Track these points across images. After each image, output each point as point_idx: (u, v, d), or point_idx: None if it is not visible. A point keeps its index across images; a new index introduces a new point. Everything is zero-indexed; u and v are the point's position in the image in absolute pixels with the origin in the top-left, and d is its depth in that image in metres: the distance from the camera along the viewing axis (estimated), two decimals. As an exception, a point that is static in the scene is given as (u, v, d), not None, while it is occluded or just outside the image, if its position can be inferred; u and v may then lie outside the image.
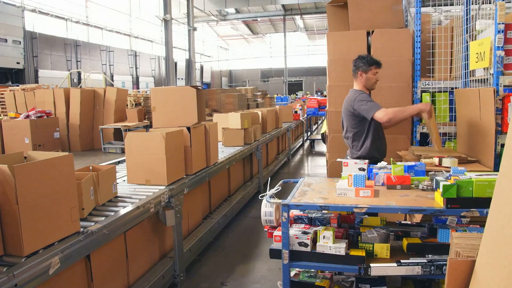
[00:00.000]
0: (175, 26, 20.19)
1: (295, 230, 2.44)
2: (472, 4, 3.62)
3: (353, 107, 3.33)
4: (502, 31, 2.93)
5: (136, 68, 25.82)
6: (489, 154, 3.01)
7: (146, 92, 15.69)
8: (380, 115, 3.15)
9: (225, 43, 41.46)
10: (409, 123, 4.07)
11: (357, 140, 3.41)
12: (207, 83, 36.06)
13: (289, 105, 11.58)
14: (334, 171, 4.08)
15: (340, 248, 2.28)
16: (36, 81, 17.26)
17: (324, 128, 5.54)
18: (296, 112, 10.69)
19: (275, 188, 2.64)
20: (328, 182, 2.85)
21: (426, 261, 2.20)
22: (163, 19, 17.16)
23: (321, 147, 11.72)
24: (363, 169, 2.68)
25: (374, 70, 3.36)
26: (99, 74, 18.68)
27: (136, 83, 25.66)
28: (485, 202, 2.07)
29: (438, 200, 2.22)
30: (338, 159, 2.83)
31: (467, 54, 3.54)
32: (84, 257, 2.35)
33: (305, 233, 2.40)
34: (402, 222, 2.84)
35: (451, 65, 4.00)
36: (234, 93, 12.74)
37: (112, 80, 21.12)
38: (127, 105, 13.25)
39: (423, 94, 3.98)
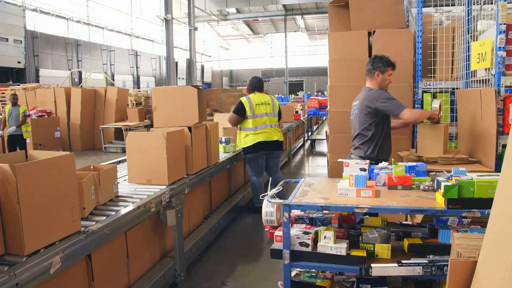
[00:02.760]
0: (176, 25, 20.18)
1: (296, 230, 2.44)
2: (474, 4, 3.62)
3: (375, 105, 3.30)
4: (504, 32, 2.93)
5: (137, 67, 25.83)
6: (491, 155, 3.01)
7: (147, 91, 15.70)
8: (408, 114, 3.21)
9: (226, 43, 41.46)
10: (410, 123, 4.07)
11: (368, 141, 3.39)
12: (208, 83, 36.07)
13: (289, 105, 11.57)
14: (335, 171, 4.08)
15: (341, 248, 2.28)
16: (37, 81, 17.27)
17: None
18: (296, 112, 10.68)
19: (276, 188, 2.64)
20: (329, 182, 2.85)
21: (427, 261, 2.20)
22: (164, 18, 17.16)
23: (322, 147, 11.72)
24: (364, 169, 2.68)
25: (390, 72, 3.39)
26: (100, 74, 18.70)
27: (137, 83, 25.67)
28: (486, 203, 2.07)
29: (439, 201, 2.22)
30: (339, 159, 2.83)
31: (469, 55, 3.54)
32: (85, 257, 2.35)
33: (306, 233, 2.39)
34: (403, 222, 2.84)
35: (452, 65, 4.00)
36: (235, 93, 12.77)
37: (113, 80, 21.12)
38: (128, 104, 13.28)
39: (424, 94, 3.98)
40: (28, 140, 9.29)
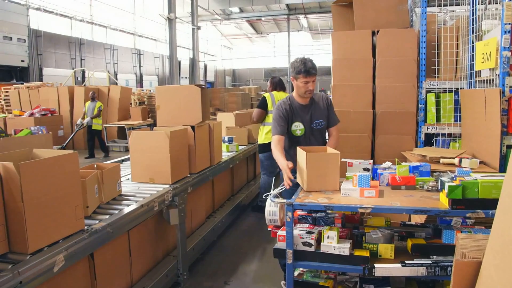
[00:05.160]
0: (179, 25, 20.20)
1: (299, 230, 2.44)
2: (478, 4, 3.60)
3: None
4: (509, 32, 2.91)
5: (140, 66, 25.84)
6: (495, 155, 2.99)
7: (150, 90, 15.71)
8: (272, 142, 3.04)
9: (228, 42, 41.43)
10: (414, 123, 4.06)
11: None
12: (210, 82, 36.04)
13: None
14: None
15: (344, 248, 2.28)
16: (41, 79, 17.30)
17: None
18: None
19: (279, 188, 2.64)
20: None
21: (430, 262, 2.20)
22: (167, 18, 17.14)
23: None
24: (368, 169, 2.68)
25: (303, 79, 2.97)
26: (103, 73, 18.72)
27: (140, 82, 25.68)
28: (490, 203, 2.06)
29: (443, 201, 2.21)
30: (343, 159, 2.82)
31: (473, 55, 3.53)
32: (88, 255, 2.35)
33: (309, 232, 2.39)
34: (407, 222, 2.83)
35: (456, 65, 3.98)
36: (238, 92, 12.75)
37: (116, 79, 21.16)
38: (130, 103, 13.28)
39: (428, 94, 3.97)
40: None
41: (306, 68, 2.95)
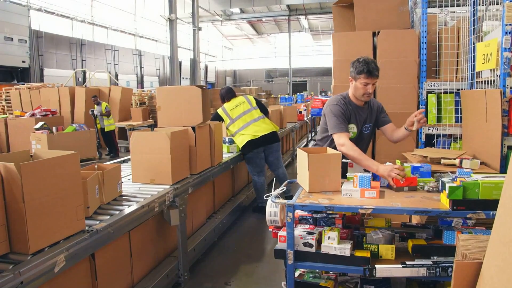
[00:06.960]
0: (180, 25, 20.23)
1: (300, 231, 2.44)
2: (479, 5, 3.61)
3: (324, 113, 3.04)
4: (510, 33, 2.91)
5: (140, 67, 25.87)
6: (495, 156, 2.99)
7: (151, 91, 15.71)
8: (338, 140, 2.81)
9: (229, 43, 41.47)
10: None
11: (319, 146, 3.17)
12: (211, 83, 36.07)
13: (293, 105, 11.57)
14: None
15: (345, 249, 2.28)
16: (42, 80, 17.32)
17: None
18: (300, 112, 10.66)
19: (280, 188, 2.64)
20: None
21: (431, 262, 2.19)
22: (168, 18, 17.16)
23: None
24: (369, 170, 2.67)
25: (363, 80, 2.83)
26: (104, 73, 18.72)
27: (140, 83, 25.70)
28: (491, 204, 2.06)
29: (443, 202, 2.21)
30: (343, 160, 2.82)
31: (474, 56, 3.53)
32: (89, 256, 2.35)
33: (310, 233, 2.39)
34: (407, 223, 2.83)
35: (457, 66, 3.98)
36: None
37: (117, 79, 21.18)
38: (131, 104, 13.29)
39: (428, 95, 3.97)
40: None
41: (369, 69, 2.80)
